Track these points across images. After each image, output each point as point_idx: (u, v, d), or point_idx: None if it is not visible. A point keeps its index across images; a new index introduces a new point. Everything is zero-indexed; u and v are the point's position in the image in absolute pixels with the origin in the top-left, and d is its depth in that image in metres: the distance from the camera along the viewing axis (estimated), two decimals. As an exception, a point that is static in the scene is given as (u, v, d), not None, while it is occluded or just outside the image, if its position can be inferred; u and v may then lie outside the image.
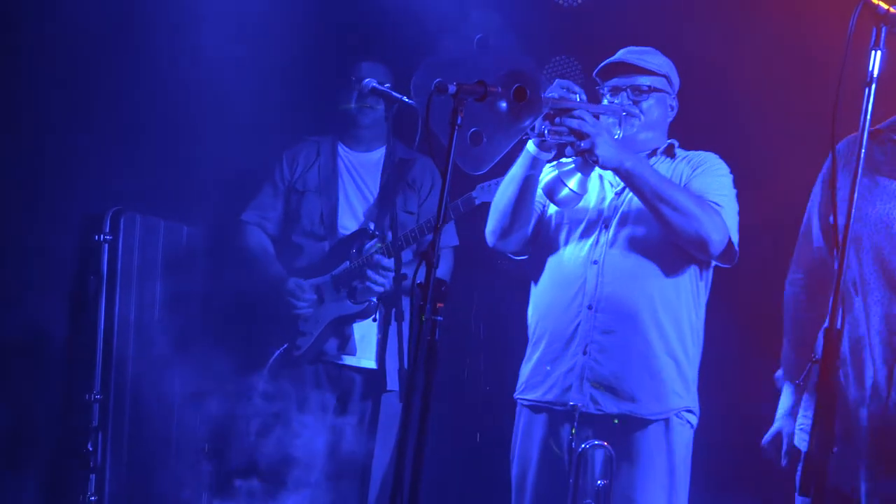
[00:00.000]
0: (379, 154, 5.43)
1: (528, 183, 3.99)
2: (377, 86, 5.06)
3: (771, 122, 5.37)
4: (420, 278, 3.12)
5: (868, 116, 2.89)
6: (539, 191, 4.04)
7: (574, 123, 3.76)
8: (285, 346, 5.19)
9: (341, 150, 5.45)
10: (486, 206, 4.33)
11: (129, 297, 5.26)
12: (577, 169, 3.96)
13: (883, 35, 2.94)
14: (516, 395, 4.19)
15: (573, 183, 3.95)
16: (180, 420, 5.36)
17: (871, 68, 2.91)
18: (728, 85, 5.35)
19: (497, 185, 4.63)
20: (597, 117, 3.88)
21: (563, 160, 3.97)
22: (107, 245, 5.22)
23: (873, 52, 2.92)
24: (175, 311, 5.38)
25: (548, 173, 4.03)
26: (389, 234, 5.11)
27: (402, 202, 5.25)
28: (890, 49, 2.94)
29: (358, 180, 5.39)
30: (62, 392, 5.26)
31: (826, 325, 2.77)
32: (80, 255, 5.27)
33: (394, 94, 4.98)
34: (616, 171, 3.87)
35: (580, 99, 3.86)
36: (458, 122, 3.20)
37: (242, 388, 5.11)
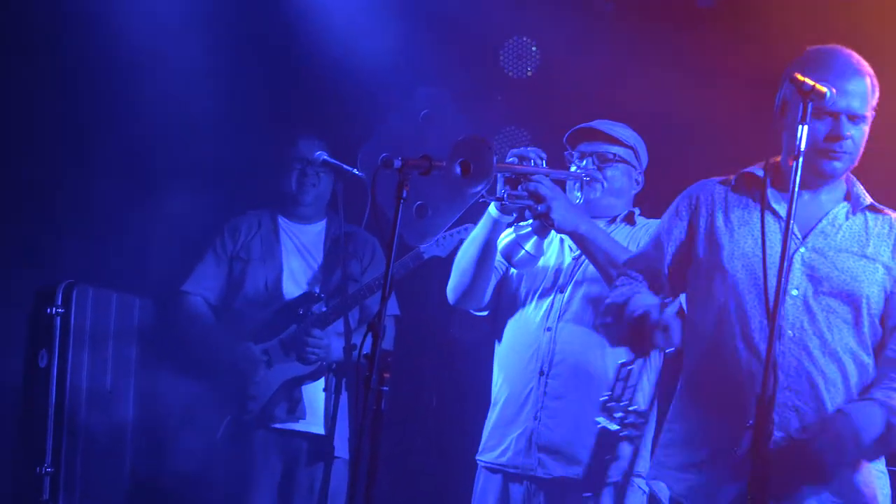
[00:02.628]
0: (320, 227, 5.51)
1: (490, 244, 4.08)
2: (328, 158, 5.13)
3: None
4: (367, 349, 3.17)
5: (796, 189, 2.98)
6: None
7: (532, 187, 3.84)
8: (228, 417, 5.18)
9: (282, 222, 5.51)
10: (441, 265, 4.38)
11: (80, 369, 5.24)
12: (533, 232, 4.05)
13: (809, 110, 3.04)
14: (476, 457, 4.23)
15: (530, 245, 4.04)
16: (133, 490, 5.34)
17: (798, 142, 3.02)
18: (673, 153, 5.48)
19: (446, 238, 4.71)
20: (564, 186, 3.97)
21: (521, 223, 4.05)
22: (59, 318, 5.22)
23: (800, 126, 3.02)
24: (127, 381, 5.38)
25: (506, 236, 4.11)
26: (324, 307, 5.18)
27: (345, 270, 5.29)
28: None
29: (301, 249, 5.44)
30: (13, 465, 5.24)
31: (758, 391, 2.84)
32: (32, 328, 5.28)
33: (344, 166, 5.05)
34: (571, 235, 3.95)
35: (541, 163, 3.96)
36: (404, 195, 3.27)
37: (195, 457, 5.11)
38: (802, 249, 3.30)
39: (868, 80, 3.31)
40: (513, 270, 4.24)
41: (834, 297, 3.26)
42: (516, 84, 6.49)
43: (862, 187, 3.46)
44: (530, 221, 4.02)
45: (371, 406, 3.15)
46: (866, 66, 3.33)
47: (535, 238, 4.05)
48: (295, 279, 5.39)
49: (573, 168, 4.26)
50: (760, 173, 3.33)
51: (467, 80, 6.15)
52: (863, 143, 3.32)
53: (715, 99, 5.59)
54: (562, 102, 6.03)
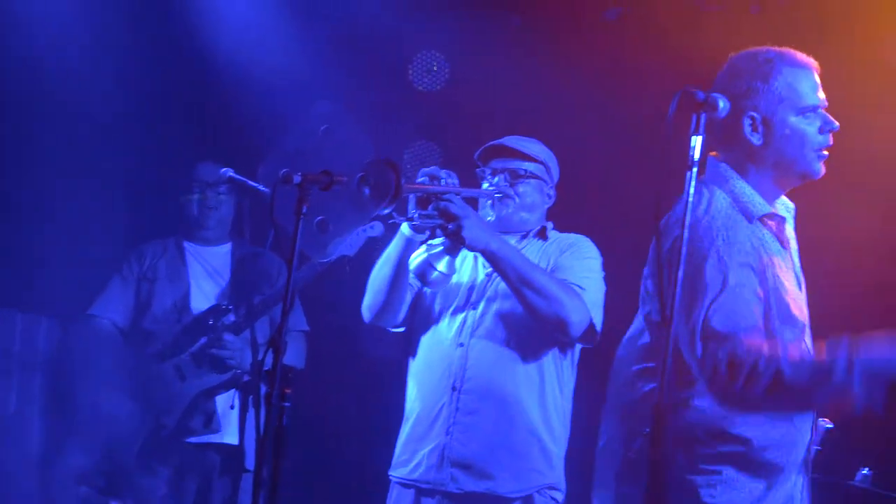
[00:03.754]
0: (226, 248, 5.50)
1: (403, 263, 4.09)
2: (234, 175, 5.12)
3: (616, 205, 5.56)
4: (268, 365, 3.17)
5: (691, 199, 3.02)
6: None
7: (442, 206, 3.86)
8: (143, 436, 5.14)
9: (188, 245, 5.48)
10: (354, 283, 4.38)
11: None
12: (445, 251, 4.06)
13: (703, 121, 3.09)
14: (389, 472, 4.24)
15: (442, 265, 4.05)
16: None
17: (691, 153, 3.06)
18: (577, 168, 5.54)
19: (351, 237, 4.72)
20: (475, 204, 3.99)
21: (433, 241, 4.07)
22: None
23: (694, 137, 3.07)
24: (31, 407, 5.31)
25: (418, 255, 4.12)
26: (233, 316, 5.18)
27: (253, 287, 5.29)
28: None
29: (208, 268, 5.42)
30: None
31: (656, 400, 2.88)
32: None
33: (250, 182, 5.04)
34: (482, 253, 3.97)
35: (452, 182, 3.97)
36: (304, 210, 3.27)
37: (114, 479, 5.06)
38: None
39: None
40: (427, 289, 4.25)
41: None
42: (426, 98, 6.51)
43: None
44: (442, 240, 4.03)
45: (273, 422, 3.13)
46: None
47: (447, 257, 4.06)
48: (204, 296, 5.36)
49: (485, 185, 4.29)
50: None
51: (377, 94, 6.18)
52: None
53: (622, 111, 5.67)
54: (472, 116, 6.07)
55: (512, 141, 4.32)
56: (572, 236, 4.30)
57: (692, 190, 3.02)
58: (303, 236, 3.27)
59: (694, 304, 3.14)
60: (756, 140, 3.33)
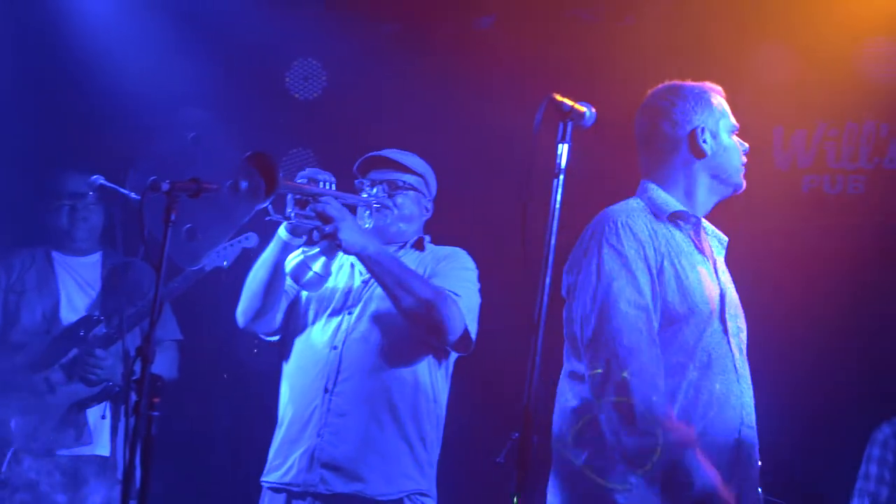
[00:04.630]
0: (95, 258, 5.43)
1: (279, 267, 4.07)
2: (105, 182, 5.05)
3: (485, 217, 5.62)
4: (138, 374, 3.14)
5: (557, 206, 3.07)
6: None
7: (320, 208, 3.86)
8: (12, 449, 5.05)
9: (56, 256, 5.39)
10: (231, 290, 4.35)
11: None
12: (321, 253, 4.06)
13: (569, 129, 3.15)
14: (261, 479, 4.21)
15: (318, 266, 4.06)
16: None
17: (559, 160, 3.12)
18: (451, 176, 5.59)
19: (226, 249, 4.69)
20: (354, 210, 4.00)
21: (310, 246, 4.06)
22: None
23: (560, 145, 3.12)
24: None
25: (294, 258, 4.11)
26: (104, 328, 5.10)
27: (125, 297, 5.23)
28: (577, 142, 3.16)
29: (78, 279, 5.35)
30: None
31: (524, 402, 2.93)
32: None
33: (121, 190, 4.98)
34: (359, 256, 3.97)
35: (329, 186, 3.97)
36: (172, 218, 3.25)
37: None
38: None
39: None
40: (304, 293, 4.25)
41: None
42: (303, 106, 6.51)
43: None
44: (318, 242, 4.03)
45: (141, 431, 3.10)
46: None
47: (323, 259, 4.07)
48: (73, 306, 5.28)
49: (364, 195, 4.30)
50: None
51: (253, 102, 6.15)
52: None
53: (495, 119, 5.73)
54: (349, 124, 6.09)
55: (391, 153, 4.35)
56: (448, 248, 4.34)
57: (559, 197, 3.08)
58: (172, 244, 3.24)
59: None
60: (708, 150, 3.51)
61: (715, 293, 3.42)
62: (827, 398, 5.78)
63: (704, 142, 3.50)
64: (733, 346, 3.40)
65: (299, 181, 3.93)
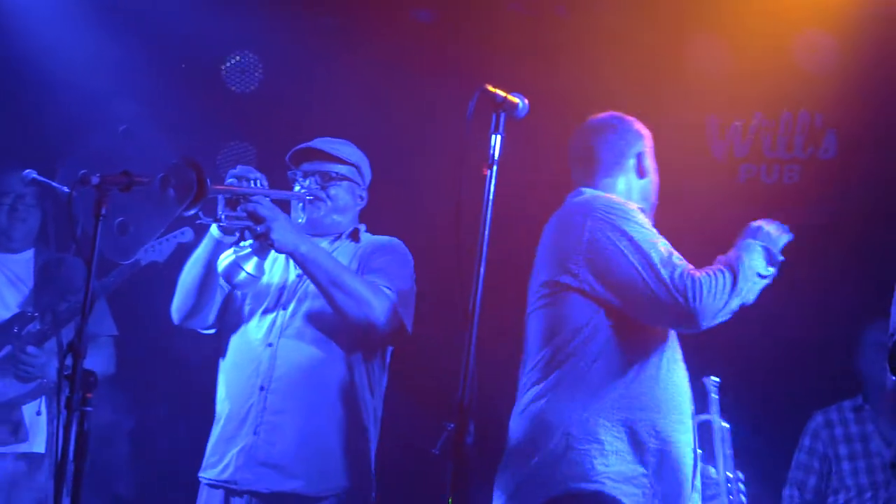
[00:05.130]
0: (28, 255, 5.37)
1: (212, 264, 4.04)
2: (38, 177, 4.98)
3: (421, 207, 5.63)
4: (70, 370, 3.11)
5: (491, 196, 3.08)
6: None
7: (251, 208, 3.84)
8: None
9: None
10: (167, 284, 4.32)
11: None
12: (253, 252, 4.03)
13: (502, 120, 3.15)
14: (199, 474, 4.19)
15: (250, 266, 4.01)
16: None
17: (492, 151, 3.12)
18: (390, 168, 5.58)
19: (162, 243, 4.66)
20: (287, 207, 3.98)
21: (242, 243, 4.03)
22: None
23: (493, 136, 3.13)
24: None
25: (226, 257, 4.08)
26: (38, 324, 5.06)
27: (58, 294, 5.18)
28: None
29: (10, 276, 5.29)
30: None
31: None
32: None
33: (54, 184, 4.92)
34: (291, 255, 3.95)
35: (260, 184, 3.94)
36: (103, 212, 3.21)
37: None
38: None
39: None
40: (236, 290, 4.22)
41: None
42: (240, 99, 6.48)
43: None
44: (251, 242, 4.01)
45: (73, 427, 3.08)
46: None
47: (255, 258, 4.04)
48: (6, 306, 5.23)
49: (297, 187, 4.27)
50: None
51: (189, 94, 6.10)
52: None
53: (432, 109, 5.73)
54: (287, 116, 6.06)
55: (323, 143, 4.32)
56: (384, 238, 4.32)
57: (492, 187, 3.09)
58: (103, 239, 3.20)
59: None
60: (643, 173, 3.81)
61: None
62: (759, 384, 5.85)
63: (640, 165, 3.80)
64: None
65: (230, 181, 3.90)
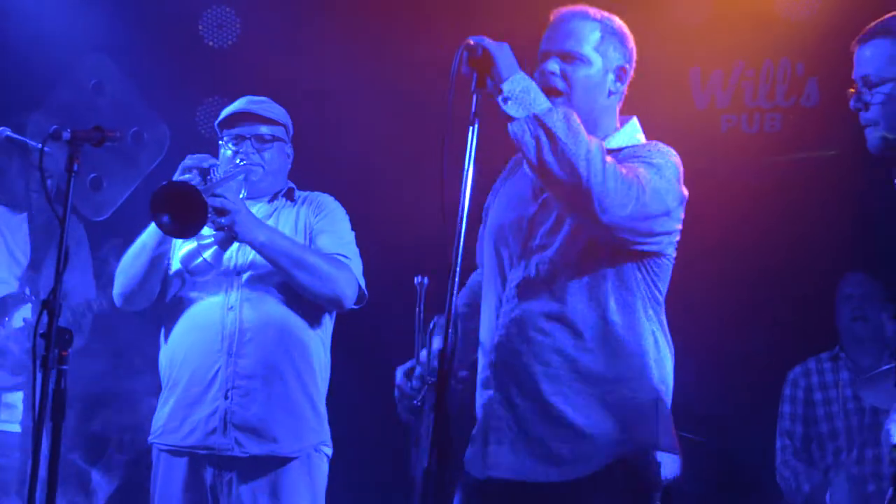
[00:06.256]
0: (22, 217, 5.20)
1: (161, 256, 4.06)
2: (12, 134, 4.90)
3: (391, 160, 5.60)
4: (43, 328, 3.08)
5: (472, 153, 3.04)
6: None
7: (219, 203, 3.84)
8: None
9: None
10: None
11: None
12: (216, 242, 4.06)
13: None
14: (152, 440, 4.16)
15: (208, 254, 4.06)
16: None
17: (473, 109, 3.08)
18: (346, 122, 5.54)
19: None
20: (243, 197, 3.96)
21: (205, 233, 4.01)
22: None
23: (474, 94, 3.09)
24: None
25: (186, 243, 4.10)
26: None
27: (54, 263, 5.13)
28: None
29: (9, 238, 5.23)
30: None
31: (440, 346, 2.91)
32: None
33: (30, 142, 4.84)
34: (251, 244, 3.99)
35: (213, 165, 3.97)
36: (75, 168, 3.17)
37: None
38: None
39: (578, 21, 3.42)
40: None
41: None
42: (218, 54, 6.41)
43: None
44: (213, 233, 4.00)
45: (51, 386, 3.05)
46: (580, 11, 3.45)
47: (215, 248, 4.06)
48: None
49: (228, 151, 4.23)
50: None
51: (166, 50, 6.04)
52: (581, 84, 3.37)
53: (412, 62, 5.68)
54: (265, 71, 5.99)
55: (253, 106, 4.28)
56: (317, 196, 4.32)
57: (473, 143, 3.05)
58: (76, 195, 3.17)
59: None
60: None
61: None
62: (745, 334, 5.87)
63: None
64: None
65: (185, 176, 3.89)
